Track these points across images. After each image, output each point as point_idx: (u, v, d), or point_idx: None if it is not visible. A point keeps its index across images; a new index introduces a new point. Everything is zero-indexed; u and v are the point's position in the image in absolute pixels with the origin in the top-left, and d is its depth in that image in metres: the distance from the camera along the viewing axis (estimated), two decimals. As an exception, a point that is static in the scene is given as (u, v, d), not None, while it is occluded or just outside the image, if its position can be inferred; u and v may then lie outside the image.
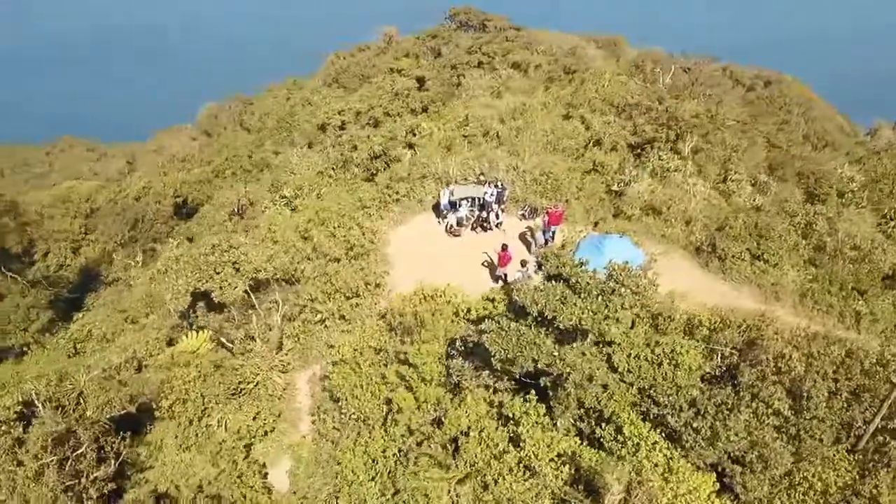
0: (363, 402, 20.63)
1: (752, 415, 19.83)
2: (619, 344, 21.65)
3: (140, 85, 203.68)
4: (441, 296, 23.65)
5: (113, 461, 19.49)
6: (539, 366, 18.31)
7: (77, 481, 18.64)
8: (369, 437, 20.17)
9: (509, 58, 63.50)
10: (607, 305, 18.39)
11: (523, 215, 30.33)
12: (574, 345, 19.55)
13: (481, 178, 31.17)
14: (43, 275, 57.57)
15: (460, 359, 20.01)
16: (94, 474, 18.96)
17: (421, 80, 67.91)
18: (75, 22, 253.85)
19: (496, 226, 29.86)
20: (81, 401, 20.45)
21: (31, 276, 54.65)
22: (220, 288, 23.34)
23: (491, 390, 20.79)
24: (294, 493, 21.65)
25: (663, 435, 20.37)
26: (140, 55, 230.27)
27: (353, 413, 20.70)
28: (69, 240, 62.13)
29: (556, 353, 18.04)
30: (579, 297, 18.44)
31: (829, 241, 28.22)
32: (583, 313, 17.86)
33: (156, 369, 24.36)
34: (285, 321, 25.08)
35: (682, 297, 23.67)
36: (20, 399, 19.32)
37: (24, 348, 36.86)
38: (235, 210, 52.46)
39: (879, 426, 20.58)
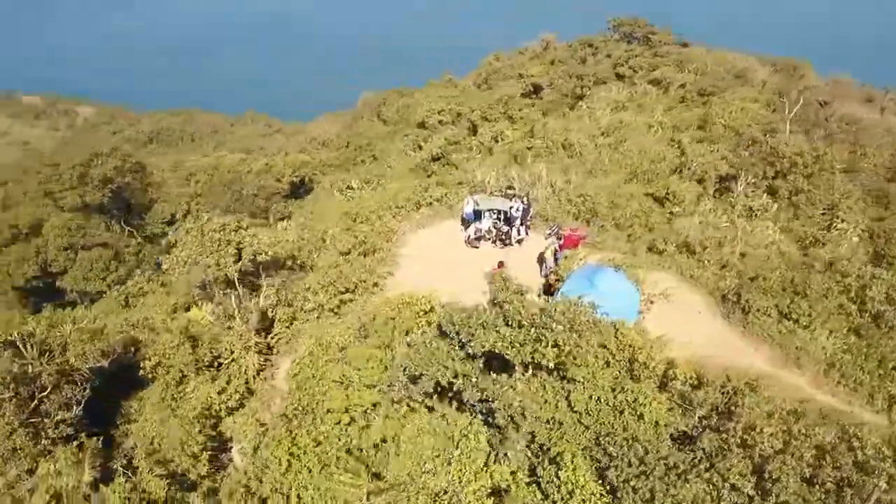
0: (305, 395, 20.84)
1: (708, 485, 17.95)
2: (582, 383, 20.40)
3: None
4: (416, 304, 23.24)
5: (75, 407, 21.07)
6: (456, 387, 17.62)
7: (40, 419, 20.39)
8: (305, 430, 20.31)
9: (653, 74, 61.45)
10: (538, 339, 17.32)
11: (549, 234, 29.14)
12: (513, 375, 18.69)
13: (508, 191, 30.33)
14: (163, 232, 62.76)
15: (399, 369, 19.65)
16: (58, 417, 20.62)
17: (537, 88, 67.10)
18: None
19: (517, 241, 28.94)
20: (67, 348, 22.30)
21: (149, 232, 60.00)
22: (217, 264, 24.42)
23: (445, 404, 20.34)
24: (245, 472, 22.31)
25: (608, 488, 18.92)
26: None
27: (295, 404, 20.98)
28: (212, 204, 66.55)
29: (471, 378, 17.26)
30: (508, 325, 17.52)
31: (889, 311, 24.65)
32: (500, 342, 16.91)
33: (163, 331, 26.04)
34: (283, 306, 25.79)
35: (665, 344, 21.73)
36: (7, 339, 21.33)
37: (99, 295, 40.68)
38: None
39: (864, 530, 17.84)
